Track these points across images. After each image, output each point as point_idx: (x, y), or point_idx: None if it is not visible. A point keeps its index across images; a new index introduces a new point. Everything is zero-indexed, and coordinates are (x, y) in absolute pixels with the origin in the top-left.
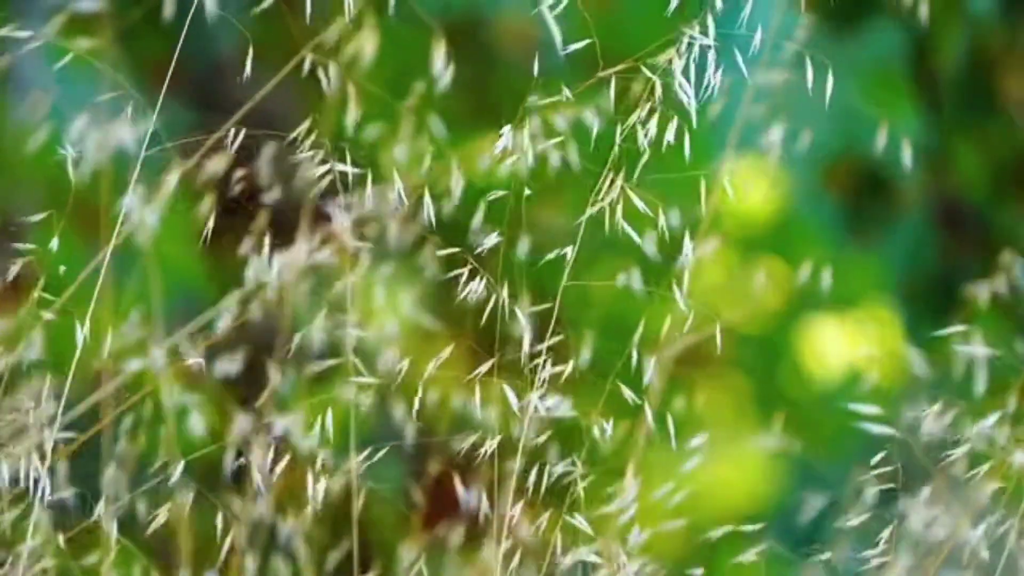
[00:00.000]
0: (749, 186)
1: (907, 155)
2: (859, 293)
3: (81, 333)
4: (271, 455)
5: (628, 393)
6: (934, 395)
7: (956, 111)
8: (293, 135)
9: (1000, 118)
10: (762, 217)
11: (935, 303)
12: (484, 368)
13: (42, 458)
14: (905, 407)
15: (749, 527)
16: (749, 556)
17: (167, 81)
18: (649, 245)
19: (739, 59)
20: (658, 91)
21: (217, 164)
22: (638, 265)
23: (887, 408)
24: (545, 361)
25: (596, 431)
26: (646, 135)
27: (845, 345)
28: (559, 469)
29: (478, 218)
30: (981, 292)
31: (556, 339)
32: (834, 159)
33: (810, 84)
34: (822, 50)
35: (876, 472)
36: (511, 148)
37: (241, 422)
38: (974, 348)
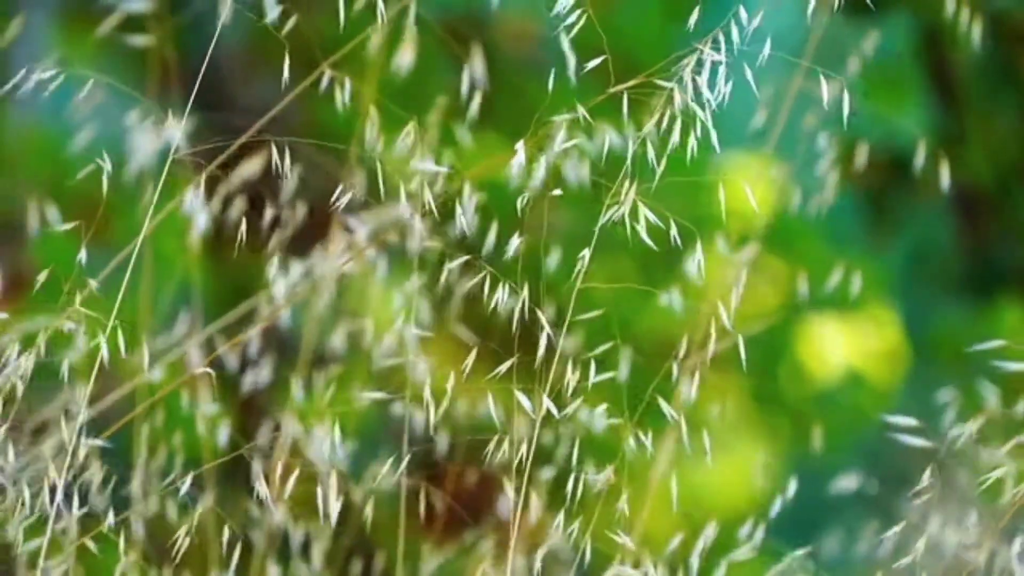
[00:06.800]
0: (754, 185)
1: (920, 149)
2: (862, 294)
3: (104, 340)
4: (283, 462)
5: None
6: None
7: (973, 100)
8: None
9: (1016, 108)
10: (766, 216)
11: (950, 296)
12: (503, 372)
13: (67, 463)
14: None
15: (748, 527)
16: (748, 556)
17: (169, 82)
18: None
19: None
20: (674, 105)
21: (241, 169)
22: (635, 263)
23: (886, 408)
24: (570, 367)
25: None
26: (663, 150)
27: (846, 346)
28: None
29: (482, 223)
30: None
31: (602, 349)
32: (849, 153)
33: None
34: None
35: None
36: (524, 163)
37: (256, 429)
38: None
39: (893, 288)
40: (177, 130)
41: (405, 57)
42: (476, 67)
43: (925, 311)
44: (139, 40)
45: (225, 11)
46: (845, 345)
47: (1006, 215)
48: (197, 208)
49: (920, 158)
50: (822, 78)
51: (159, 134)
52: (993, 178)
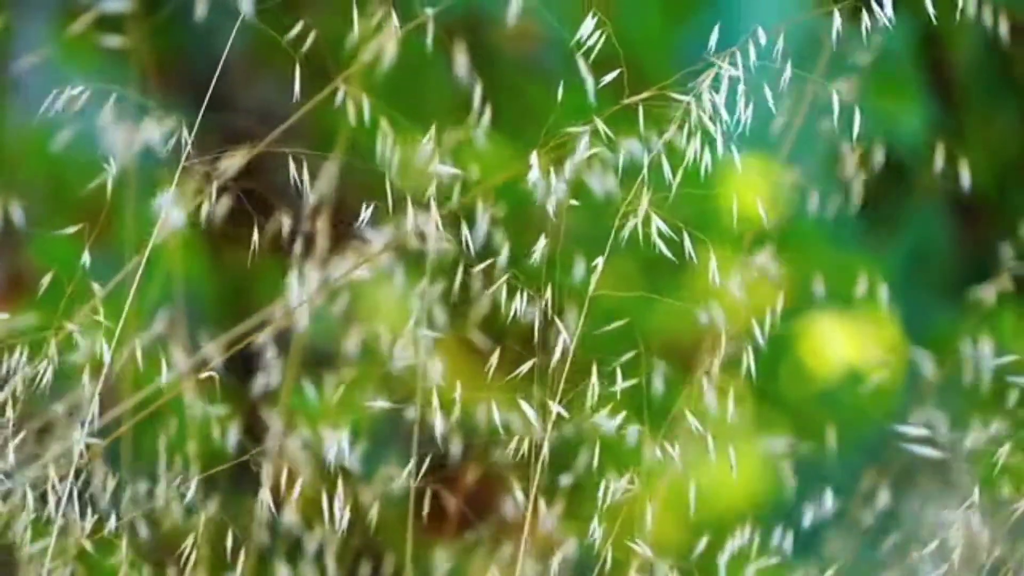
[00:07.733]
0: (756, 185)
1: (925, 149)
2: (862, 293)
3: (106, 342)
4: (287, 466)
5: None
6: (943, 398)
7: (973, 100)
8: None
9: (1015, 109)
10: (768, 216)
11: (948, 297)
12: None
13: (67, 465)
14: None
15: (749, 527)
16: (747, 556)
17: (167, 81)
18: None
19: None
20: (691, 119)
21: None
22: (638, 264)
23: (890, 409)
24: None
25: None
26: (678, 162)
27: (846, 345)
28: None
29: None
30: (988, 292)
31: (628, 356)
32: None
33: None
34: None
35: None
36: (540, 174)
37: (261, 431)
38: (983, 352)
39: (892, 288)
40: (173, 132)
41: (388, 50)
42: (461, 66)
43: (924, 311)
44: (114, 40)
45: (202, 9)
46: (845, 345)
47: (1006, 216)
48: (200, 212)
49: (926, 159)
50: (833, 89)
51: (153, 135)
52: (993, 179)
